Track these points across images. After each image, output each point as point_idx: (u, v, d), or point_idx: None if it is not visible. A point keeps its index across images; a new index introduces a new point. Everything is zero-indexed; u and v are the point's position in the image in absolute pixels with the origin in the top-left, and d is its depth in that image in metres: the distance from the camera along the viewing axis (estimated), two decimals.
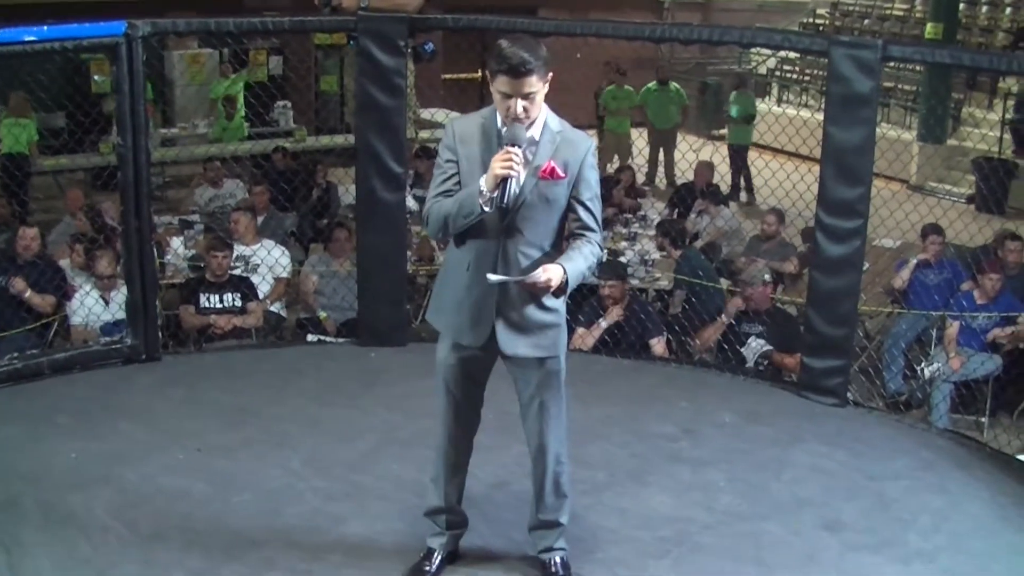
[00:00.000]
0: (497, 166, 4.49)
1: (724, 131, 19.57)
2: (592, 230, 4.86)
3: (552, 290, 4.68)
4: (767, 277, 9.18)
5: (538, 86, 4.59)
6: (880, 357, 10.00)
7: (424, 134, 14.87)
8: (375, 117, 7.88)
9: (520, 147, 4.54)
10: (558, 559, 5.21)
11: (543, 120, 4.74)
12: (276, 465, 6.33)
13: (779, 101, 22.92)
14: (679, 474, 6.40)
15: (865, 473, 6.50)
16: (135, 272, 7.61)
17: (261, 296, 9.77)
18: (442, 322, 4.99)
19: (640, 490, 6.15)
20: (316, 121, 20.63)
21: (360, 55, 7.89)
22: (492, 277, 4.65)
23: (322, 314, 9.93)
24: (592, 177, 4.83)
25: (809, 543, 5.66)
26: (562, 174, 4.72)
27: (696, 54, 24.00)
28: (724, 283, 10.59)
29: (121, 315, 8.25)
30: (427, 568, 5.21)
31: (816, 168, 7.44)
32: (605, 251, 4.87)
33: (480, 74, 21.86)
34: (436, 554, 5.25)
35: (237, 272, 9.80)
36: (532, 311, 4.82)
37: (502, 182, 4.50)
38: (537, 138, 4.72)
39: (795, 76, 23.21)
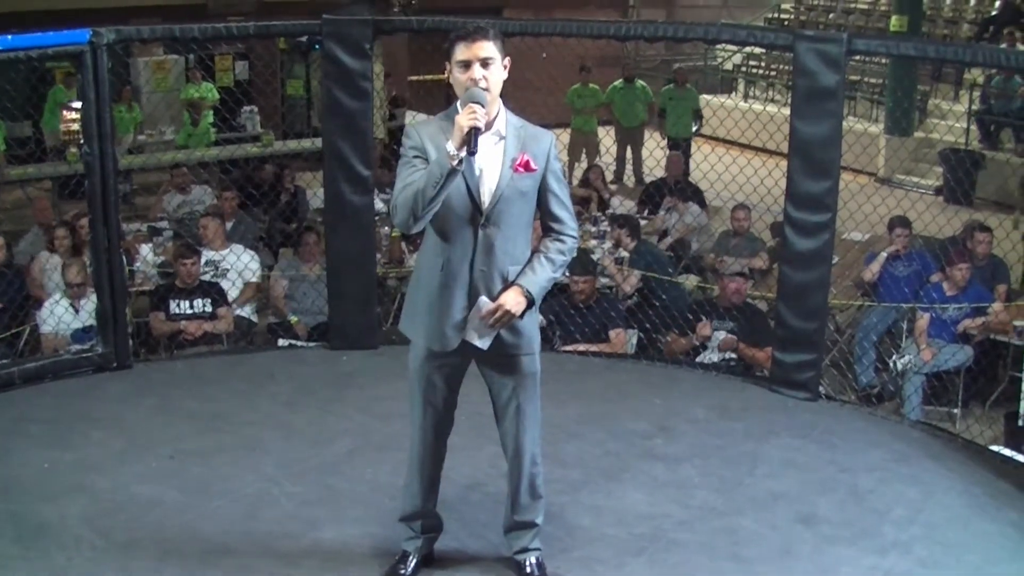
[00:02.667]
0: (463, 119, 4.50)
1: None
2: (563, 221, 4.89)
3: (519, 315, 4.76)
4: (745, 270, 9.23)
5: (495, 53, 4.65)
6: (851, 350, 10.03)
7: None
8: (341, 121, 7.87)
9: (481, 105, 4.55)
10: (533, 559, 5.22)
11: (504, 117, 4.79)
12: (250, 471, 6.31)
13: (745, 96, 22.97)
14: (654, 471, 6.40)
15: (839, 466, 6.52)
16: (104, 280, 7.58)
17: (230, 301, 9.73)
18: (414, 329, 4.98)
19: (615, 488, 6.16)
20: (283, 125, 20.57)
21: (325, 58, 7.88)
22: (467, 338, 4.77)
23: (293, 318, 9.91)
24: (558, 168, 4.90)
25: (785, 537, 5.68)
26: (534, 166, 4.76)
27: (662, 51, 24.03)
28: (693, 279, 10.61)
29: (91, 322, 8.21)
30: (402, 571, 5.21)
31: (783, 162, 7.46)
32: (579, 238, 4.90)
33: (447, 75, 21.72)
34: (411, 557, 5.25)
35: (207, 278, 9.76)
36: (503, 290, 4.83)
37: (469, 133, 4.49)
38: (504, 133, 4.76)
39: (761, 71, 23.26)
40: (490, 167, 4.72)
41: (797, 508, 5.99)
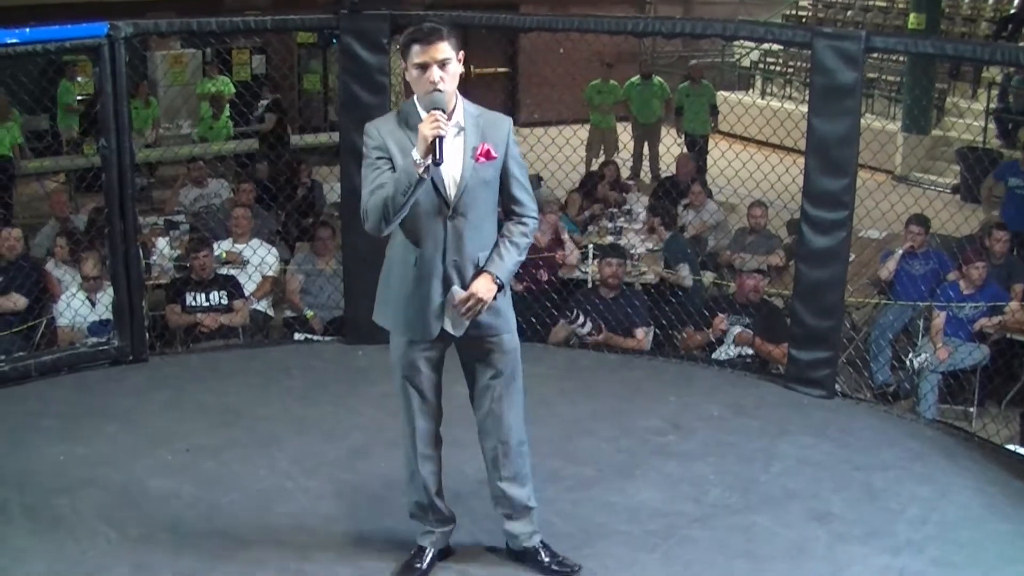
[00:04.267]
0: (426, 128, 4.54)
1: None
2: (523, 203, 4.98)
3: (490, 301, 4.84)
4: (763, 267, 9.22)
5: (451, 53, 4.71)
6: (867, 348, 10.00)
7: None
8: (358, 115, 7.84)
9: (443, 111, 4.61)
10: (538, 541, 5.27)
11: (461, 107, 4.86)
12: (264, 465, 6.32)
13: (763, 93, 22.92)
14: (667, 468, 6.40)
15: (853, 464, 6.51)
16: (120, 273, 7.59)
17: (247, 294, 9.74)
18: (391, 320, 5.05)
19: (628, 485, 6.15)
20: (300, 120, 20.58)
21: (343, 53, 7.88)
22: (444, 325, 4.87)
23: (308, 313, 9.91)
24: (516, 151, 4.97)
25: (799, 535, 5.67)
26: (495, 154, 4.84)
27: (679, 48, 23.98)
28: (709, 276, 10.61)
29: (108, 315, 8.23)
30: (418, 566, 5.21)
31: (800, 160, 7.44)
32: (537, 219, 4.98)
33: (464, 69, 21.74)
34: (427, 551, 5.26)
35: (223, 271, 9.78)
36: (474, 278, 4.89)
37: (433, 143, 4.54)
38: (463, 124, 4.83)
39: (778, 68, 23.21)
40: (452, 159, 4.76)
41: (811, 506, 5.97)
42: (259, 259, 10.12)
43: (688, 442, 6.77)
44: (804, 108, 7.45)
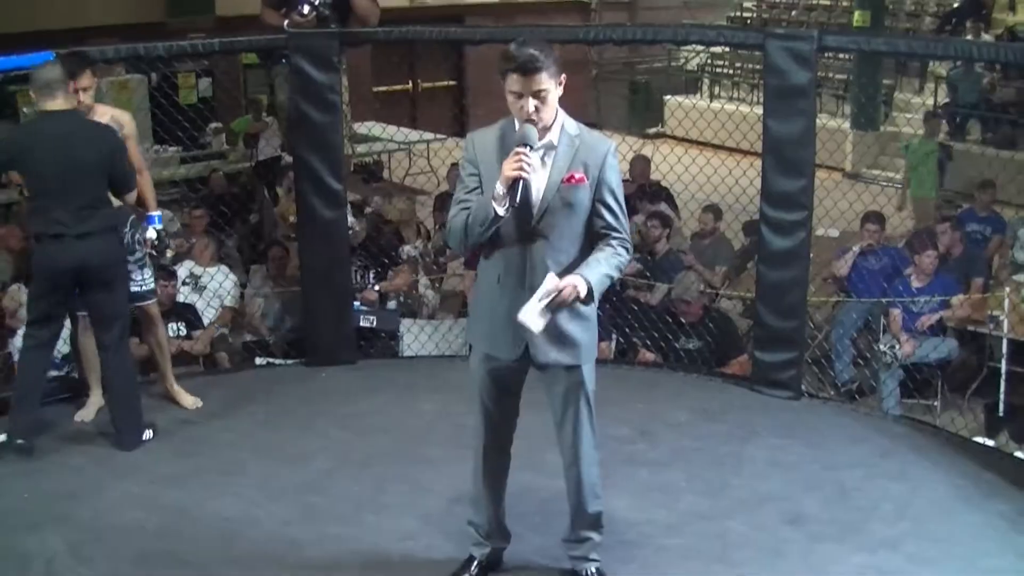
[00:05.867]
0: (508, 168, 4.49)
1: (657, 129, 19.55)
2: (616, 231, 4.81)
3: (580, 297, 4.66)
4: (694, 293, 9.08)
5: (549, 84, 4.58)
6: (830, 347, 10.01)
7: (360, 148, 14.77)
8: (310, 134, 7.81)
9: (531, 147, 4.53)
10: (593, 569, 5.24)
11: (560, 125, 4.74)
12: (230, 493, 6.23)
13: (711, 97, 22.99)
14: (638, 476, 6.38)
15: (824, 464, 6.51)
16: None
17: (206, 323, 9.64)
18: (476, 335, 4.99)
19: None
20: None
21: (292, 72, 7.82)
22: (521, 318, 4.62)
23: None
24: (613, 178, 4.79)
25: (774, 538, 5.66)
26: (581, 177, 4.70)
27: (625, 53, 24.05)
28: (663, 287, 10.48)
29: (65, 348, 8.10)
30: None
31: (752, 161, 7.44)
32: (631, 249, 4.86)
33: (410, 85, 21.97)
34: (475, 562, 5.26)
35: (185, 291, 9.70)
36: (564, 320, 4.78)
37: (513, 183, 4.48)
38: (555, 143, 4.71)
39: (726, 71, 23.29)
40: (537, 179, 4.67)
41: (784, 508, 5.97)
42: (217, 284, 10.00)
43: (657, 449, 6.75)
44: (753, 109, 7.44)
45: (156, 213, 7.31)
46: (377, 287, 9.99)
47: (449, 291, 10.77)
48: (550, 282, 4.62)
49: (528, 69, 4.53)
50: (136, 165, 7.09)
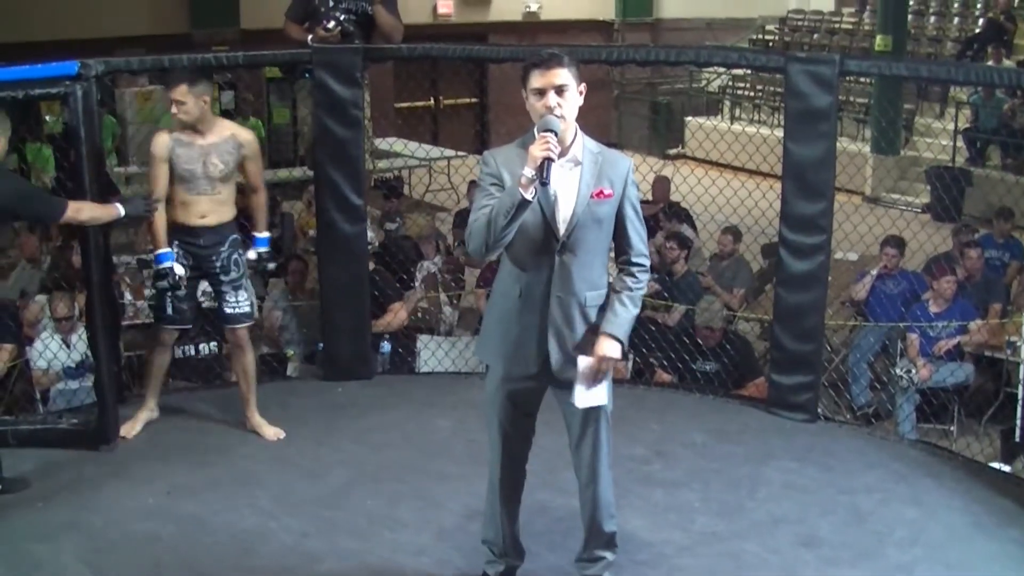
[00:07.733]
0: (536, 149, 4.49)
1: (678, 150, 19.49)
2: (636, 248, 4.89)
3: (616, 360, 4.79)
4: (719, 321, 9.08)
5: (569, 80, 4.65)
6: (847, 370, 10.00)
7: (382, 163, 14.80)
8: (332, 149, 7.83)
9: (555, 133, 4.54)
10: None
11: (581, 142, 4.79)
12: (246, 505, 6.25)
13: (732, 119, 22.96)
14: (653, 496, 6.38)
15: (839, 488, 6.50)
16: (96, 313, 7.49)
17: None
18: (491, 353, 4.99)
19: (615, 514, 6.10)
20: (270, 154, 20.49)
21: (316, 87, 7.85)
22: (583, 407, 4.81)
23: (289, 352, 9.81)
24: (634, 194, 4.88)
25: (788, 561, 5.65)
26: (610, 192, 4.76)
27: (647, 74, 24.07)
28: (680, 308, 10.47)
29: (82, 357, 8.12)
30: None
31: (772, 184, 7.43)
32: (648, 264, 4.90)
33: (432, 102, 22.01)
34: None
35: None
36: (587, 336, 4.82)
37: (542, 163, 4.49)
38: (580, 159, 4.76)
39: (747, 93, 23.27)
40: (566, 193, 4.72)
41: (798, 531, 5.96)
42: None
43: (673, 470, 6.75)
44: (774, 132, 7.44)
45: (264, 235, 7.32)
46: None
47: (467, 307, 10.78)
48: (582, 363, 4.73)
49: (550, 63, 4.62)
50: (254, 184, 7.13)
